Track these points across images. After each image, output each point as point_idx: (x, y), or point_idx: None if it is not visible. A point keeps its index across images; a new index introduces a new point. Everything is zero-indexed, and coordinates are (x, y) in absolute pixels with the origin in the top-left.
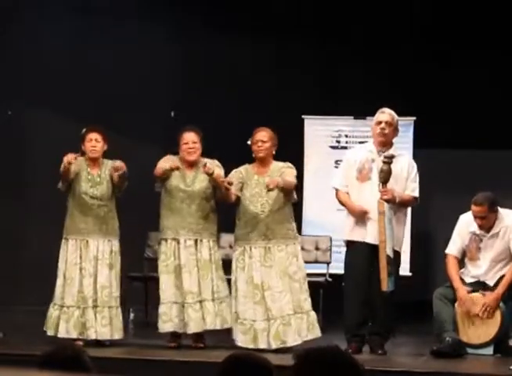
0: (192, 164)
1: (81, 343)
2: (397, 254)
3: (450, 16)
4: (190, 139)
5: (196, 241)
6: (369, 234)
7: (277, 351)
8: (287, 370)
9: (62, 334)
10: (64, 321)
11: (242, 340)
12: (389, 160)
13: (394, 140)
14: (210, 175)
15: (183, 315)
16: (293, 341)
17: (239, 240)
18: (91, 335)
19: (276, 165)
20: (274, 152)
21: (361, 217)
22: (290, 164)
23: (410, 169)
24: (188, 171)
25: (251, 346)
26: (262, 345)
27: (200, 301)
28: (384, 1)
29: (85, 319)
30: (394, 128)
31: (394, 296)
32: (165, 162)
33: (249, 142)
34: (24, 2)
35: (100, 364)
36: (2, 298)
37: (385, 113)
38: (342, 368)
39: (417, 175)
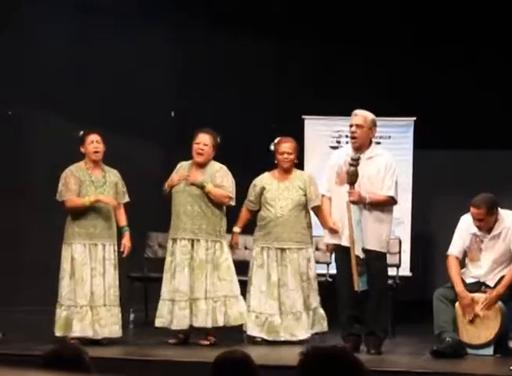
0: (200, 166)
1: (76, 342)
2: (382, 254)
3: (450, 17)
4: (202, 141)
5: (192, 241)
6: (343, 237)
7: (290, 343)
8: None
9: (77, 333)
10: (78, 321)
11: (257, 331)
12: (355, 163)
13: (373, 139)
14: (201, 188)
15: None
16: (302, 335)
17: (258, 241)
18: (105, 333)
19: (300, 175)
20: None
21: (332, 232)
22: (312, 179)
23: (387, 168)
24: (193, 172)
25: (265, 337)
26: (278, 338)
27: (192, 300)
28: (384, 1)
29: (99, 317)
30: (367, 129)
31: (390, 296)
32: (175, 176)
33: (272, 148)
34: (24, 2)
35: (100, 364)
36: (2, 298)
37: (357, 116)
38: (346, 368)
39: (394, 174)
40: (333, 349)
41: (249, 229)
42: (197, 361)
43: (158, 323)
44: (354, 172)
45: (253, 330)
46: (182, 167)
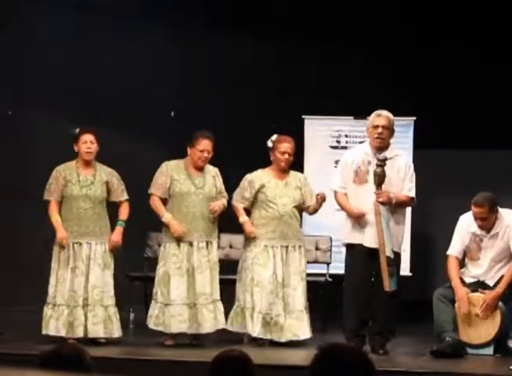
0: (200, 169)
1: (72, 341)
2: (397, 254)
3: (450, 17)
4: (207, 149)
5: (207, 243)
6: (366, 237)
7: (292, 344)
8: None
9: (52, 331)
10: (54, 319)
11: (263, 333)
12: (382, 163)
13: (391, 140)
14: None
15: (196, 316)
16: (304, 334)
17: (259, 240)
18: (79, 333)
19: (295, 175)
20: None
21: (358, 219)
22: (307, 179)
23: (407, 169)
24: (194, 174)
25: (272, 338)
26: (282, 338)
27: (213, 302)
28: (384, 1)
29: (74, 317)
30: (390, 131)
31: (396, 297)
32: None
33: (270, 145)
34: (24, 2)
35: (100, 364)
36: (2, 298)
37: (382, 117)
38: (360, 366)
39: (414, 174)
40: (349, 347)
41: (234, 228)
42: (197, 361)
43: (183, 327)
44: (381, 173)
45: (259, 332)
46: (172, 167)
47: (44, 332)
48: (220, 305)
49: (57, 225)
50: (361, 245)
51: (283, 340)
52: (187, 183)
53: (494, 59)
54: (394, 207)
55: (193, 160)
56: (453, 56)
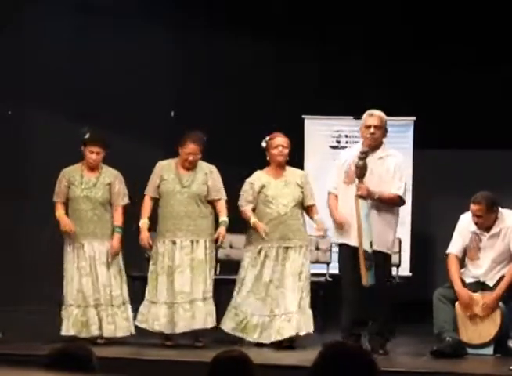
0: (190, 168)
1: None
2: (387, 256)
3: (450, 17)
4: (193, 152)
5: (192, 242)
6: (352, 237)
7: (278, 346)
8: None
9: (64, 331)
10: (66, 319)
11: (231, 329)
12: (363, 156)
13: (385, 140)
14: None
15: (172, 315)
16: (288, 333)
17: (256, 241)
18: (94, 332)
19: (294, 172)
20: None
21: (339, 226)
22: (308, 177)
23: (396, 168)
24: (183, 173)
25: (258, 340)
26: (262, 340)
27: (191, 301)
28: (384, 1)
29: (87, 317)
30: (383, 130)
31: (391, 297)
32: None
33: (264, 145)
34: (24, 2)
35: (100, 364)
36: (2, 298)
37: (374, 117)
38: (365, 366)
39: (404, 175)
40: (354, 347)
41: (234, 228)
42: (197, 361)
43: (157, 326)
44: (362, 165)
45: (228, 327)
46: (164, 167)
47: (61, 333)
48: (201, 305)
49: (61, 218)
50: (347, 245)
51: (266, 341)
52: (173, 182)
53: (494, 59)
54: (381, 206)
55: (181, 161)
56: (453, 56)
